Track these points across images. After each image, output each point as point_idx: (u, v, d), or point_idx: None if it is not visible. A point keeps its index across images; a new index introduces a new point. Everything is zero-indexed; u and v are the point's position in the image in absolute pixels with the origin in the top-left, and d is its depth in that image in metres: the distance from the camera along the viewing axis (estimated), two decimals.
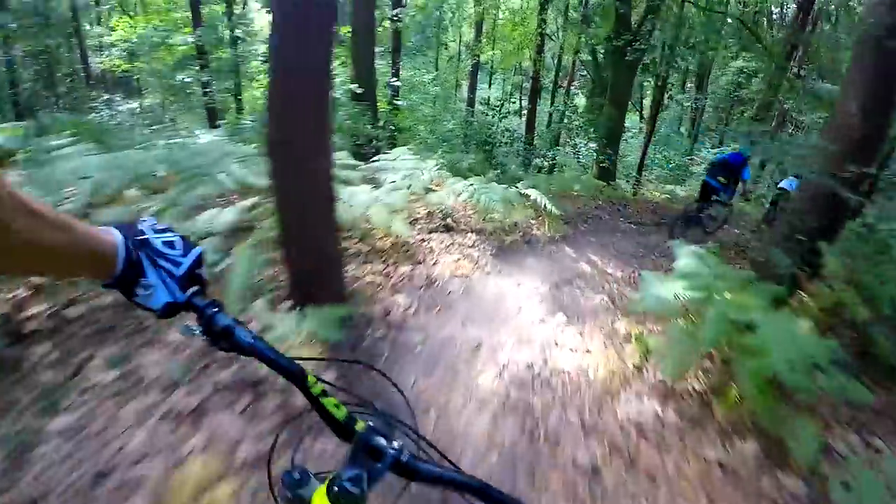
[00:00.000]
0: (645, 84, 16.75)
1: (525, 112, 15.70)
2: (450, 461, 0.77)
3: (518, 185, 6.17)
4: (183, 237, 0.75)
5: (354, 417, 0.72)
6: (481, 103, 16.81)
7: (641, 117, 18.63)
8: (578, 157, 13.66)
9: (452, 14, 19.74)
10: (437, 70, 20.21)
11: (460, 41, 21.99)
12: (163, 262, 0.71)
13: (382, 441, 0.69)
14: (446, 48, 22.90)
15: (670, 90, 16.67)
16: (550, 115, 15.40)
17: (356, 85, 8.37)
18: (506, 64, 17.17)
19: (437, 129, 13.49)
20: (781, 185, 7.89)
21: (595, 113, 12.32)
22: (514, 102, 19.11)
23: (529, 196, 5.68)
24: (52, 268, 0.62)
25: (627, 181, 12.42)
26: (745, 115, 15.32)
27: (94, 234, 0.63)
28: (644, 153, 12.19)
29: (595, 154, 11.31)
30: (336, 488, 0.63)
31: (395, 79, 11.09)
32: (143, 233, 0.71)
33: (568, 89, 15.53)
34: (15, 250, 0.52)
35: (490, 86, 22.20)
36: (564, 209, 6.26)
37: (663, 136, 17.68)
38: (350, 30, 8.63)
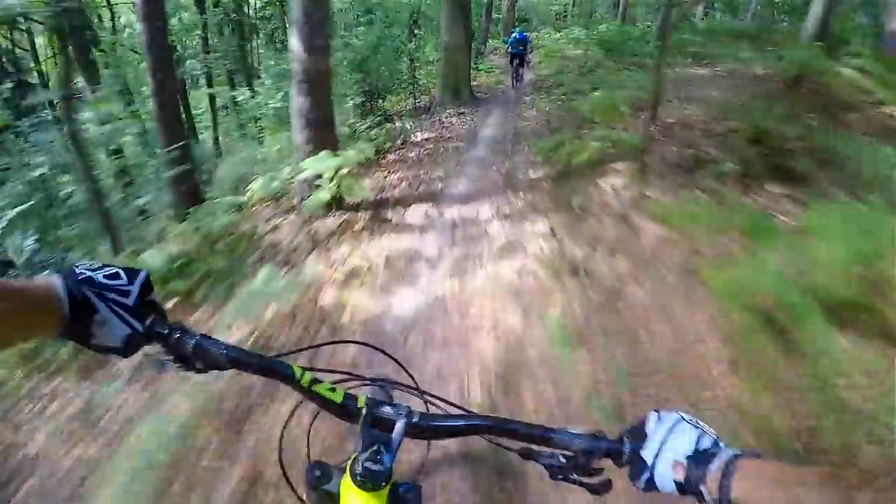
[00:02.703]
0: None
1: None
2: (458, 406, 0.74)
3: None
4: (123, 268, 0.70)
5: (353, 395, 0.69)
6: None
7: None
8: None
9: None
10: None
11: None
12: (111, 295, 0.66)
13: (389, 409, 0.67)
14: None
15: None
16: None
17: None
18: None
19: None
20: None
21: None
22: None
23: None
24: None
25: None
26: None
27: (29, 288, 0.60)
28: None
29: None
30: (359, 472, 0.63)
31: None
32: (80, 273, 0.66)
33: None
34: None
35: None
36: None
37: None
38: None
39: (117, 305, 0.66)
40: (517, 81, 11.44)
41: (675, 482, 0.57)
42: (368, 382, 0.79)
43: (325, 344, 0.90)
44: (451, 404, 0.75)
